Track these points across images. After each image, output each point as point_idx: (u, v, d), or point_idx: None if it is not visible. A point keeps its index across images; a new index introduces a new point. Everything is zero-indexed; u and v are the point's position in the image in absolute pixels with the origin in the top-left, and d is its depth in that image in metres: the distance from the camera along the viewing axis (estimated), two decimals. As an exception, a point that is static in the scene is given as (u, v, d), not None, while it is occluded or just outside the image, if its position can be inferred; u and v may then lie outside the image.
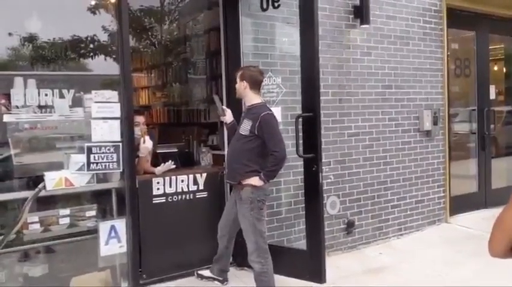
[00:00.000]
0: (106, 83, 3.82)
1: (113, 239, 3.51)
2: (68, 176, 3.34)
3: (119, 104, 3.46)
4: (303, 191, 3.87)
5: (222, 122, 4.18)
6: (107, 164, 3.42)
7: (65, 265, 3.65)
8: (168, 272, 3.82)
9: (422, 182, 5.26)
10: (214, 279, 3.78)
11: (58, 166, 3.39)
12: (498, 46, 6.93)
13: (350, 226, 4.62)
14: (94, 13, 4.31)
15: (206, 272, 3.82)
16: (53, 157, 3.51)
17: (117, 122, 3.46)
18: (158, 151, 4.45)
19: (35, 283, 3.43)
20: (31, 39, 4.67)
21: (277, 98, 4.12)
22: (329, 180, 4.42)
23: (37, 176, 3.32)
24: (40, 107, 3.30)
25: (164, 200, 3.85)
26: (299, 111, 3.77)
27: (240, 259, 3.91)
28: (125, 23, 3.51)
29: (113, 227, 3.51)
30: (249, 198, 3.29)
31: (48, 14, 3.97)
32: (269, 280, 3.35)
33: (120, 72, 3.51)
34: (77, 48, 5.15)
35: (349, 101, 4.62)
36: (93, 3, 4.24)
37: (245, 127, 3.34)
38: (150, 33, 7.06)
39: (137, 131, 3.87)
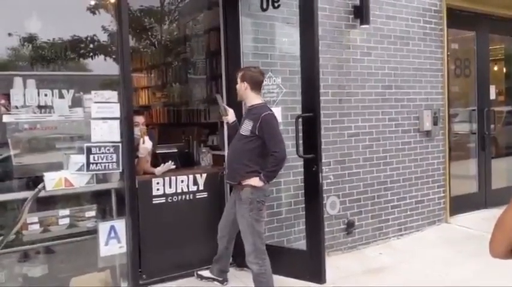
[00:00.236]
0: (106, 83, 3.82)
1: (113, 240, 3.51)
2: (67, 176, 3.33)
3: (118, 105, 3.46)
4: (303, 191, 3.87)
5: (222, 122, 4.18)
6: (107, 164, 3.42)
7: (65, 266, 3.64)
8: (168, 273, 3.82)
9: (422, 182, 5.25)
10: (214, 279, 3.78)
11: (58, 166, 3.39)
12: (498, 46, 6.93)
13: (350, 226, 4.62)
14: (94, 13, 4.30)
15: (206, 273, 3.82)
16: (52, 157, 3.50)
17: (117, 122, 3.45)
18: (158, 151, 4.45)
19: (35, 283, 3.43)
20: (31, 39, 4.66)
21: (277, 98, 4.11)
22: (329, 180, 4.42)
23: (37, 177, 3.32)
24: (40, 107, 3.30)
25: (164, 201, 3.84)
26: (299, 112, 3.77)
27: (240, 259, 3.90)
28: (125, 23, 3.50)
29: (112, 228, 3.51)
30: (249, 199, 3.29)
31: (48, 14, 3.97)
32: (268, 280, 3.35)
33: (120, 72, 3.51)
34: (76, 49, 5.14)
35: (349, 101, 4.62)
36: (93, 3, 4.24)
37: (246, 127, 3.34)
38: (150, 33, 7.06)
39: (137, 131, 3.86)
